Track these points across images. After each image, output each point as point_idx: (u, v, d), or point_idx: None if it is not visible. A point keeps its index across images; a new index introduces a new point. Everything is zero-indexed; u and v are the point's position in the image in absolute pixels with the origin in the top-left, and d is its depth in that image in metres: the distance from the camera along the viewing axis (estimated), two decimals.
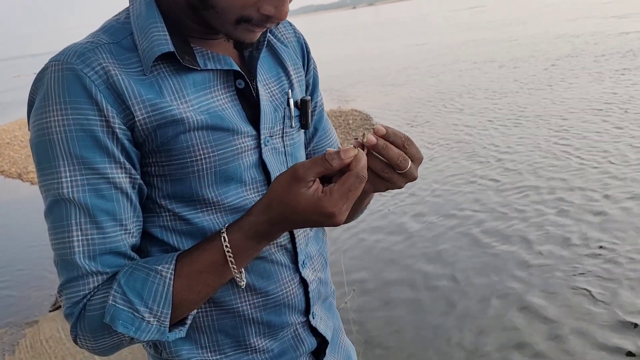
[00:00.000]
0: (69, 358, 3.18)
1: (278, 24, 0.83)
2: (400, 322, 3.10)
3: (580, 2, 26.40)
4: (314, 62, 1.05)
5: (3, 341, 3.51)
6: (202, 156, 0.82)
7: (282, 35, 1.00)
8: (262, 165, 0.89)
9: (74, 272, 0.78)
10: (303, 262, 0.95)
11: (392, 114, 8.60)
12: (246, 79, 0.87)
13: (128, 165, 0.80)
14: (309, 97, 0.97)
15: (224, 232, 0.79)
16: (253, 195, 0.88)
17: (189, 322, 0.85)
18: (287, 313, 0.93)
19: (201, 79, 0.84)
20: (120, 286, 0.77)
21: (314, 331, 0.99)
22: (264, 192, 0.89)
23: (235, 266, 0.79)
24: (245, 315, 0.90)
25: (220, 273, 0.80)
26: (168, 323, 0.79)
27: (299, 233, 0.94)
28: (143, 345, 0.87)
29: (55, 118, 0.76)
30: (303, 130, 1.01)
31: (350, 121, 8.20)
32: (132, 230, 0.81)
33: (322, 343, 1.01)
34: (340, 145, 1.12)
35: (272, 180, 0.89)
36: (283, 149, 0.93)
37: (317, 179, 0.75)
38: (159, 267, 0.78)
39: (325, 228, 1.04)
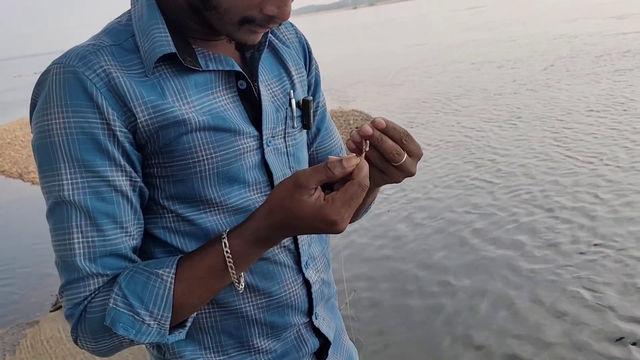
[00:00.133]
0: (69, 358, 3.19)
1: (280, 24, 0.83)
2: (390, 325, 3.10)
3: (580, 2, 26.41)
4: (315, 62, 1.05)
5: (4, 341, 3.52)
6: (205, 157, 0.82)
7: (283, 36, 1.00)
8: (264, 166, 0.89)
9: (75, 274, 0.78)
10: (306, 262, 0.95)
11: (391, 114, 8.59)
12: (248, 80, 0.87)
13: (129, 168, 0.80)
14: (311, 97, 0.97)
15: (224, 237, 0.79)
16: (256, 196, 0.88)
17: (188, 324, 0.85)
18: (290, 314, 0.94)
19: (203, 79, 0.84)
20: (121, 289, 0.77)
21: (317, 332, 0.99)
22: (267, 192, 0.89)
23: (234, 272, 0.80)
24: (249, 316, 0.90)
25: (220, 278, 0.80)
26: (168, 326, 0.79)
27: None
28: (146, 346, 0.87)
29: (57, 121, 0.76)
30: (305, 131, 1.01)
31: (351, 121, 8.20)
32: (132, 233, 0.82)
33: (325, 344, 1.01)
34: (343, 145, 1.12)
35: (275, 180, 0.89)
36: (285, 149, 0.93)
37: (319, 187, 0.75)
38: (160, 271, 0.78)
39: None
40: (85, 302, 0.79)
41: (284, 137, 0.93)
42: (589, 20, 17.20)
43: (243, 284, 0.84)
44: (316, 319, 0.98)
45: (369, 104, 9.74)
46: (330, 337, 1.01)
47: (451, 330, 2.94)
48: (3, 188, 8.05)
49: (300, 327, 0.96)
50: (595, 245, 3.57)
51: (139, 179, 0.82)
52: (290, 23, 1.03)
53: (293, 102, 0.94)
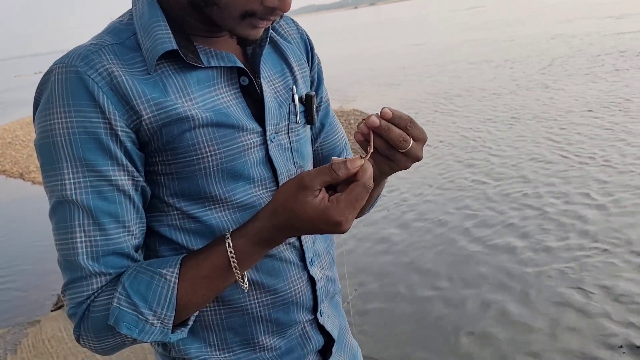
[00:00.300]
0: (70, 357, 3.19)
1: (281, 17, 0.83)
2: (398, 322, 3.11)
3: (579, 2, 26.40)
4: (318, 58, 1.05)
5: (5, 340, 3.52)
6: (208, 153, 0.82)
7: (284, 32, 1.00)
8: (269, 162, 0.89)
9: (78, 273, 0.78)
10: (311, 259, 0.95)
11: None
12: (250, 76, 0.87)
13: (131, 168, 0.80)
14: (314, 93, 0.97)
15: (228, 237, 0.80)
16: (261, 192, 0.88)
17: (190, 323, 0.85)
18: (295, 311, 0.94)
19: (205, 76, 0.84)
20: (125, 289, 0.78)
21: (322, 329, 0.99)
22: (272, 188, 0.89)
23: (238, 271, 0.80)
24: (254, 313, 0.90)
25: (224, 277, 0.81)
26: (171, 325, 0.80)
27: None
28: (151, 343, 0.88)
29: (59, 120, 0.76)
30: (309, 126, 1.01)
31: (352, 121, 8.21)
32: (134, 232, 0.82)
33: (329, 341, 1.01)
34: (347, 140, 1.13)
35: (279, 176, 0.90)
36: (289, 145, 0.93)
37: (323, 188, 0.76)
38: (164, 271, 0.79)
39: None
40: (88, 301, 0.79)
41: (288, 132, 0.93)
42: (588, 20, 17.20)
43: (247, 283, 0.84)
44: (321, 316, 0.98)
45: (370, 103, 9.74)
46: (335, 334, 1.01)
47: (446, 335, 2.94)
48: (4, 188, 8.06)
49: (305, 324, 0.97)
50: (590, 247, 3.56)
51: (141, 178, 0.82)
52: (291, 19, 1.03)
53: (296, 97, 0.94)
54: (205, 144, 0.82)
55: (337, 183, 0.76)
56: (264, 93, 0.89)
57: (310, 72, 1.03)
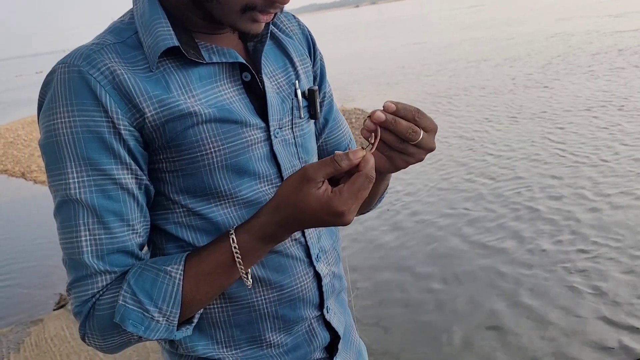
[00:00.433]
0: (73, 356, 3.20)
1: (282, 11, 0.84)
2: (392, 321, 3.11)
3: (578, 0, 26.36)
4: (320, 53, 1.05)
5: (8, 339, 3.52)
6: (212, 149, 0.83)
7: (285, 27, 1.00)
8: (273, 158, 0.89)
9: (83, 271, 0.79)
10: (317, 255, 0.95)
11: None
12: (252, 72, 0.87)
13: (134, 166, 0.81)
14: (317, 87, 0.97)
15: (232, 233, 0.80)
16: (266, 188, 0.88)
17: (195, 320, 0.85)
18: (302, 307, 0.94)
19: (207, 72, 0.84)
20: (130, 286, 0.78)
21: (328, 326, 0.99)
22: (278, 184, 0.89)
23: (243, 267, 0.80)
24: (261, 310, 0.90)
25: (228, 274, 0.81)
26: (176, 322, 0.80)
27: None
28: (158, 341, 0.88)
29: (63, 120, 0.77)
30: (313, 121, 1.01)
31: (354, 120, 8.20)
32: (139, 230, 0.82)
33: (335, 338, 1.01)
34: (352, 135, 1.13)
35: (283, 172, 0.90)
36: (293, 140, 0.93)
37: (326, 180, 0.76)
38: (168, 268, 0.79)
39: None
40: (94, 299, 0.79)
41: (292, 127, 0.93)
42: (587, 19, 17.18)
43: (251, 280, 0.84)
44: (327, 312, 0.98)
45: (371, 102, 9.73)
46: (340, 331, 1.01)
47: (450, 327, 2.95)
48: (6, 187, 8.07)
49: (312, 320, 0.97)
50: (595, 240, 3.56)
51: (144, 177, 0.82)
52: (292, 15, 1.03)
53: (298, 92, 0.94)
54: (209, 140, 0.82)
55: (340, 175, 0.77)
56: (266, 88, 0.89)
57: (313, 67, 1.03)
